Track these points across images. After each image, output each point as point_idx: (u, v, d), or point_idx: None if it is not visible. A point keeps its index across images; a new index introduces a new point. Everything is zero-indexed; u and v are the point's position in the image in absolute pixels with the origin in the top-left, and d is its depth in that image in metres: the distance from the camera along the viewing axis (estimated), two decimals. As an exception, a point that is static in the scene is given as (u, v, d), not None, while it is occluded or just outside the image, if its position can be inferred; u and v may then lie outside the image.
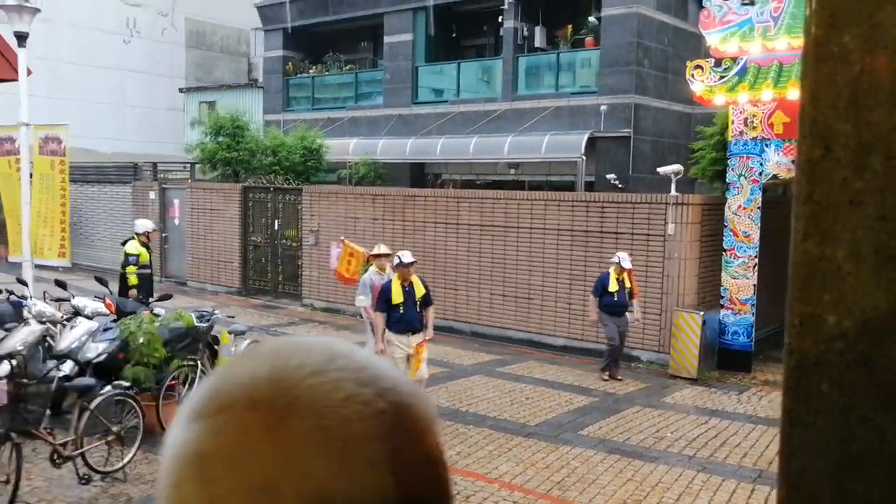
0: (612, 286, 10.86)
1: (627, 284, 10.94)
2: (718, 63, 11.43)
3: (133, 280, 11.67)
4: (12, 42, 10.81)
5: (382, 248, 10.22)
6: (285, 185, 17.80)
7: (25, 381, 7.06)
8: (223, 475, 0.59)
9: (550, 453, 7.92)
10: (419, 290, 8.76)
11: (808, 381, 1.20)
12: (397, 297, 8.61)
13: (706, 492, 7.00)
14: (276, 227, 17.43)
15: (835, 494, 1.17)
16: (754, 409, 9.80)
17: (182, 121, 29.93)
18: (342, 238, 10.95)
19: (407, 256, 8.78)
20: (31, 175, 10.74)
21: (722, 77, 11.25)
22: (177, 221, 19.63)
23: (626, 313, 11.11)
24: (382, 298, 8.72)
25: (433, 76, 23.42)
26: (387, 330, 8.74)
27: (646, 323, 11.95)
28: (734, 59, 11.32)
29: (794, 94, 10.40)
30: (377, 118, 23.19)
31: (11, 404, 6.72)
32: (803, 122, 1.30)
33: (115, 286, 11.22)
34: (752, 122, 11.20)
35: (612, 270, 10.90)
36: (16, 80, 10.54)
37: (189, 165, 22.06)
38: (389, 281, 8.81)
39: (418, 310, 8.74)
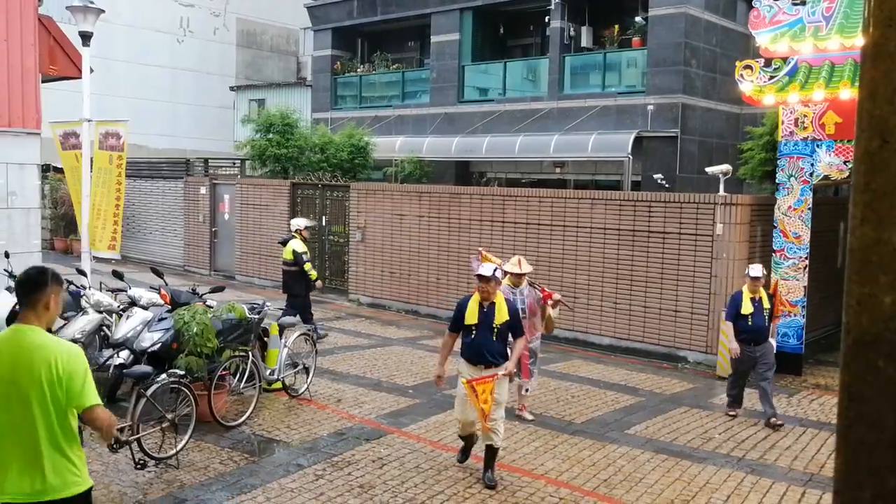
0: (746, 307, 9.01)
1: (766, 305, 9.12)
2: (768, 63, 11.31)
3: (314, 275, 12.25)
4: (76, 41, 11.18)
5: (524, 267, 8.82)
6: (333, 182, 18.03)
7: (86, 367, 7.30)
8: None
9: (597, 451, 7.95)
10: (500, 315, 7.00)
11: (864, 358, 1.26)
12: (471, 317, 7.03)
13: (756, 494, 6.96)
14: (323, 223, 17.66)
15: (891, 464, 1.23)
16: (805, 412, 9.70)
17: (232, 118, 30.47)
18: (480, 250, 9.63)
19: (486, 269, 7.08)
20: (90, 169, 11.09)
21: (772, 77, 11.13)
22: (226, 216, 20.00)
23: (770, 340, 9.32)
24: (454, 315, 7.25)
25: (479, 75, 23.51)
26: (461, 358, 7.19)
27: (693, 323, 11.89)
28: (784, 59, 11.19)
29: (846, 94, 10.27)
30: (423, 116, 23.35)
31: (72, 390, 6.96)
32: (861, 117, 1.36)
33: (184, 281, 11.50)
34: (803, 122, 11.07)
35: (745, 288, 9.18)
36: (79, 77, 10.91)
37: (239, 162, 22.47)
38: (468, 297, 7.24)
39: (495, 338, 6.98)
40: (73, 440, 3.81)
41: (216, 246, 20.44)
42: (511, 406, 8.63)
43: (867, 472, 1.13)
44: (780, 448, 8.23)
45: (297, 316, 12.24)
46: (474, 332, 7.00)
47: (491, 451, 7.03)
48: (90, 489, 3.91)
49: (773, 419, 8.92)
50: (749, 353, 9.06)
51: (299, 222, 12.73)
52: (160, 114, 30.31)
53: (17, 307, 4.09)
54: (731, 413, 9.29)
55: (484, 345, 6.97)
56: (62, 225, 23.68)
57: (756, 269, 9.15)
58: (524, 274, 8.83)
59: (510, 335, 7.17)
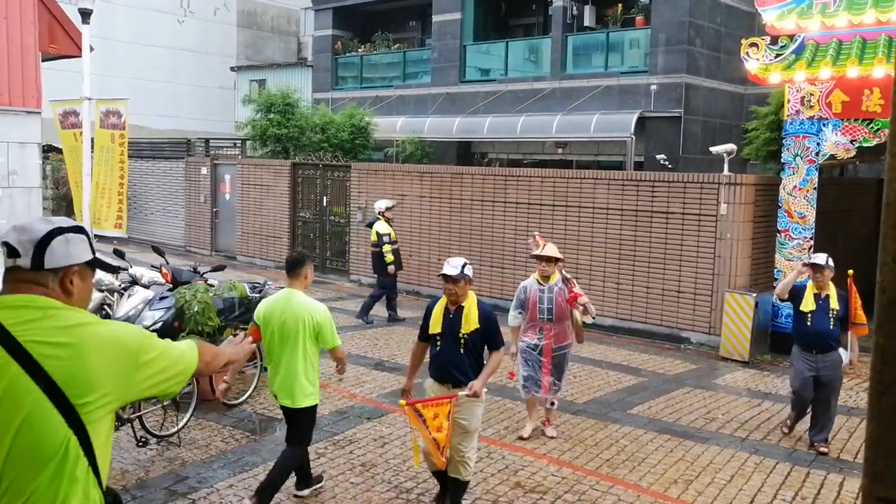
0: (808, 304, 7.42)
1: (834, 305, 7.39)
2: (774, 41, 11.20)
3: (390, 258, 12.48)
4: (75, 19, 11.07)
5: (548, 249, 7.34)
6: (334, 162, 17.94)
7: (87, 346, 7.26)
8: None
9: (599, 431, 7.92)
10: (469, 322, 5.61)
11: (901, 318, 1.20)
12: (435, 324, 5.71)
13: (759, 474, 6.93)
14: (324, 204, 17.59)
15: (927, 430, 1.17)
16: (806, 392, 9.66)
17: (233, 99, 30.35)
18: (535, 234, 8.22)
19: (451, 266, 5.61)
20: (92, 148, 11.02)
21: (778, 55, 11.02)
22: (227, 197, 19.92)
23: (840, 350, 7.46)
24: (422, 321, 5.94)
25: (481, 55, 23.37)
26: (429, 375, 5.93)
27: (697, 304, 11.84)
28: (791, 37, 11.07)
29: (853, 72, 10.16)
30: (425, 97, 23.22)
31: (73, 368, 6.93)
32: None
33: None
34: (809, 101, 10.96)
35: (809, 283, 7.55)
36: (79, 56, 10.81)
37: (240, 142, 22.37)
38: (436, 300, 5.90)
39: (463, 352, 5.60)
40: (313, 369, 5.78)
41: (217, 226, 20.38)
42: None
43: (900, 439, 1.07)
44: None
45: (386, 296, 12.76)
46: (439, 343, 5.71)
47: (456, 486, 5.80)
48: (316, 405, 5.92)
49: (819, 444, 7.44)
50: (810, 362, 7.40)
51: (381, 204, 12.89)
52: (161, 94, 30.17)
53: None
54: (785, 430, 7.88)
55: (449, 360, 5.63)
56: (64, 205, 23.58)
57: (820, 258, 7.45)
58: (554, 261, 7.29)
59: (486, 347, 5.76)
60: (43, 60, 11.16)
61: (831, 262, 7.41)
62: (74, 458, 2.18)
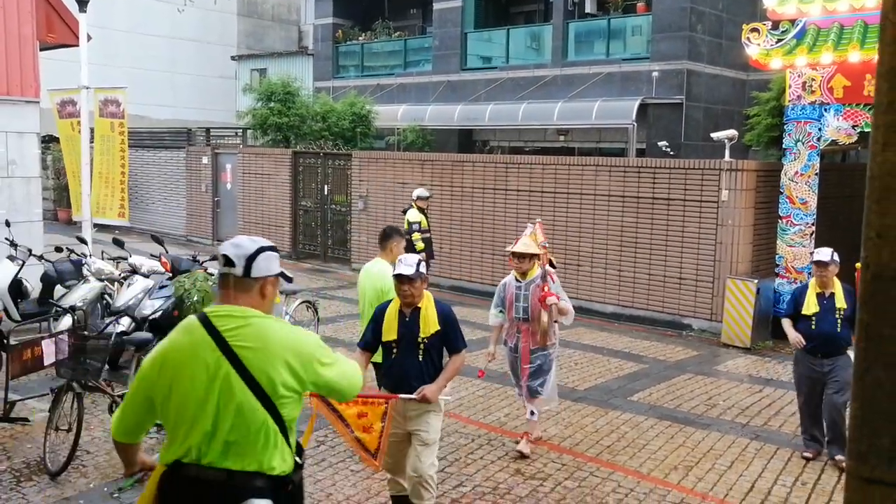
0: (810, 306, 6.82)
1: (841, 304, 6.73)
2: (776, 26, 11.14)
3: (420, 246, 12.48)
4: (73, 9, 11.04)
5: (519, 245, 6.80)
6: (335, 151, 17.92)
7: (86, 334, 7.30)
8: None
9: (600, 418, 7.91)
10: (428, 325, 5.11)
11: (884, 295, 1.17)
12: (389, 331, 5.15)
13: (760, 459, 6.92)
14: (325, 192, 17.57)
15: (911, 408, 1.16)
16: (807, 378, 9.64)
17: (234, 88, 30.26)
18: (538, 221, 7.28)
19: (405, 265, 5.09)
20: (91, 137, 11.01)
21: (779, 40, 10.95)
22: (229, 186, 19.91)
23: (849, 352, 6.73)
24: (368, 326, 5.37)
25: (482, 43, 23.28)
26: (382, 388, 5.38)
27: (698, 291, 11.81)
28: (792, 22, 11.01)
29: (855, 56, 10.10)
30: (426, 85, 23.15)
31: (72, 357, 6.94)
32: (885, 30, 1.27)
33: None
34: (811, 86, 10.89)
35: (811, 281, 7.07)
36: (76, 45, 10.79)
37: (241, 131, 22.34)
38: (387, 303, 5.34)
39: (422, 358, 5.09)
40: None
41: (219, 216, 20.37)
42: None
43: (885, 417, 1.05)
44: (784, 414, 8.19)
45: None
46: (395, 350, 5.13)
47: None
48: None
49: (838, 457, 6.71)
50: (815, 367, 6.81)
51: (415, 192, 12.99)
52: (160, 84, 30.07)
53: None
54: (807, 454, 6.92)
55: (409, 367, 5.09)
56: (65, 196, 23.58)
57: (824, 254, 6.81)
58: (528, 258, 6.75)
59: (445, 350, 5.25)
60: (41, 50, 11.15)
61: (836, 257, 6.77)
62: (274, 433, 2.89)
